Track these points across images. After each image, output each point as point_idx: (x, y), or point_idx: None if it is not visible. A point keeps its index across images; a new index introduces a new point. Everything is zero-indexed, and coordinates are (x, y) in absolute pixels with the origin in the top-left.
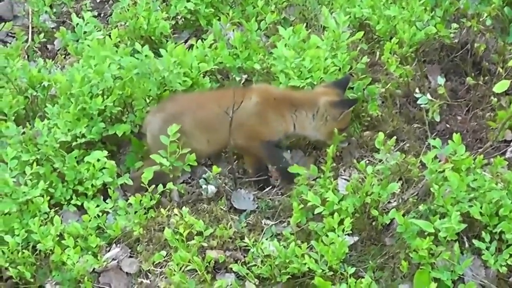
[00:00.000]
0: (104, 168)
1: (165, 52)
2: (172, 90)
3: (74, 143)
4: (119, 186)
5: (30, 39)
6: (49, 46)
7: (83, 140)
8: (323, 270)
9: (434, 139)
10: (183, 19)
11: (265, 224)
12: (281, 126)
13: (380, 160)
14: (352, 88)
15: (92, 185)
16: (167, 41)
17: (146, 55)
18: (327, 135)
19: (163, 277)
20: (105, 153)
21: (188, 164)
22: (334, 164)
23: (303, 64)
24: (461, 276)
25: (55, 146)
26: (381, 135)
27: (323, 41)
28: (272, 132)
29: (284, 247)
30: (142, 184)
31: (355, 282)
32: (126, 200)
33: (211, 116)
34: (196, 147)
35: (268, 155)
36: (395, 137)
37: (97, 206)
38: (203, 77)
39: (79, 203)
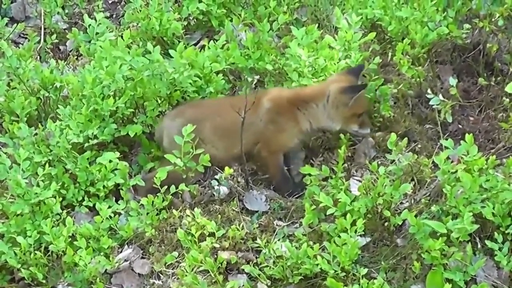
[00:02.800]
0: (116, 169)
1: (175, 53)
2: (183, 91)
3: (86, 144)
4: (131, 187)
5: (42, 40)
6: (61, 47)
7: (95, 141)
8: (335, 271)
9: (447, 139)
10: (195, 20)
11: (277, 225)
12: (296, 129)
13: (392, 161)
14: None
15: (104, 186)
16: (179, 42)
17: (157, 60)
18: (343, 122)
19: (175, 278)
20: (117, 154)
21: (202, 165)
22: (346, 165)
23: (317, 63)
24: (474, 277)
25: (67, 147)
26: (393, 136)
27: (335, 41)
28: (288, 137)
29: (296, 248)
30: (154, 185)
31: (368, 283)
32: (138, 202)
33: (229, 123)
34: (215, 154)
35: (281, 183)
36: (407, 137)
37: (109, 207)
38: (216, 75)
39: (91, 204)
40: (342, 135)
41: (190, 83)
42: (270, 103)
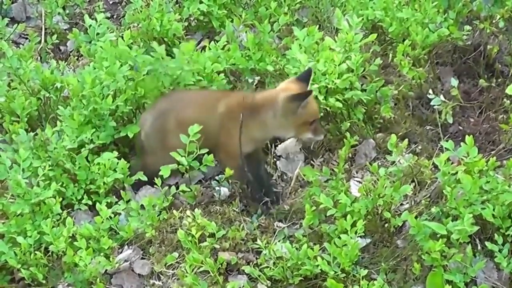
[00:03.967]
0: (115, 168)
1: (178, 51)
2: (187, 88)
3: (83, 149)
4: (131, 187)
5: (43, 41)
6: (61, 48)
7: (91, 146)
8: (335, 272)
9: (447, 141)
10: (196, 21)
11: (277, 226)
12: (247, 135)
13: (393, 162)
14: (365, 90)
15: (104, 183)
16: (180, 42)
17: (162, 57)
18: (295, 130)
19: (175, 278)
20: (115, 154)
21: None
22: (347, 166)
23: (317, 67)
24: (474, 278)
25: (65, 153)
26: (393, 137)
27: (336, 42)
28: (242, 143)
29: (297, 249)
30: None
31: (368, 284)
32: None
33: (193, 117)
34: (176, 146)
35: (239, 176)
36: (407, 139)
37: (110, 206)
38: (218, 74)
39: (90, 202)
40: (348, 135)
41: (193, 81)
42: (224, 107)
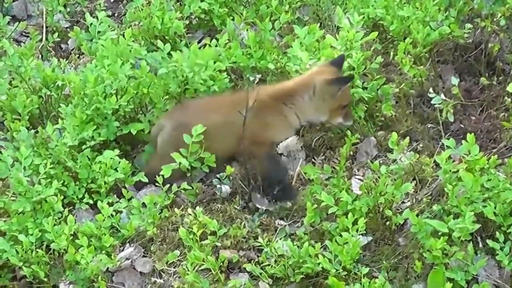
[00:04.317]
0: (117, 167)
1: (189, 53)
2: (193, 90)
3: (84, 146)
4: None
5: (44, 39)
6: (63, 46)
7: (92, 143)
8: (337, 270)
9: (448, 139)
10: (197, 19)
11: (278, 224)
12: (285, 123)
13: (394, 160)
14: (366, 88)
15: (105, 182)
16: (181, 41)
17: (170, 54)
18: (329, 114)
19: (176, 276)
20: (117, 152)
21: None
22: (348, 164)
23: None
24: (475, 276)
25: (65, 150)
26: (394, 135)
27: (337, 41)
28: (277, 132)
29: (298, 247)
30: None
31: (369, 282)
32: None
33: (215, 125)
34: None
35: (269, 166)
36: (408, 137)
37: (111, 204)
38: (220, 72)
39: (91, 202)
40: (349, 133)
41: (201, 83)
42: (252, 101)
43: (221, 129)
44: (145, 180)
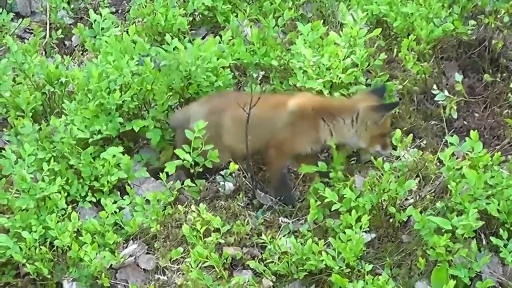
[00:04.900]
0: (120, 164)
1: (192, 46)
2: (196, 85)
3: (90, 140)
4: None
5: (48, 35)
6: (66, 42)
7: (99, 136)
8: (340, 267)
9: (452, 136)
10: (200, 16)
11: (282, 221)
12: (313, 137)
13: (398, 157)
14: (370, 85)
15: (108, 181)
16: (184, 37)
17: (174, 48)
18: (369, 141)
19: (180, 273)
20: (121, 149)
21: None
22: (352, 162)
23: (321, 62)
24: (479, 273)
25: (72, 143)
26: (398, 132)
27: (341, 37)
28: (302, 142)
29: (301, 244)
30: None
31: (372, 279)
32: (144, 198)
33: (256, 117)
34: (232, 144)
35: (278, 188)
36: (412, 134)
37: (114, 202)
38: (223, 69)
39: (94, 200)
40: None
41: (204, 78)
42: (294, 106)
43: (260, 123)
44: (147, 175)
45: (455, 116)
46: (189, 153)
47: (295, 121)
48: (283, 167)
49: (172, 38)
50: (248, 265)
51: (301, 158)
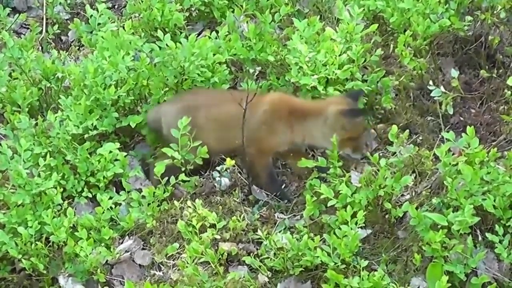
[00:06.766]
0: (116, 159)
1: (186, 42)
2: (190, 81)
3: (86, 135)
4: (133, 176)
5: (44, 31)
6: (63, 38)
7: (95, 132)
8: (335, 263)
9: (448, 132)
10: (197, 11)
11: (278, 217)
12: (287, 137)
13: (394, 153)
14: (366, 80)
15: (104, 177)
16: (181, 33)
17: (167, 44)
18: (338, 144)
19: (175, 269)
20: (117, 145)
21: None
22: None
23: (317, 58)
24: (474, 269)
25: (67, 138)
26: (394, 128)
27: (337, 33)
28: (277, 142)
29: (297, 239)
30: (155, 177)
31: (368, 275)
32: (140, 191)
33: (225, 115)
34: (206, 142)
35: (266, 176)
36: (408, 129)
37: (110, 198)
38: (219, 64)
39: (90, 195)
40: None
41: (198, 73)
42: (268, 105)
43: (231, 120)
44: (141, 175)
45: (451, 112)
46: (178, 151)
47: (269, 119)
48: (267, 164)
49: (165, 34)
50: (244, 261)
51: (295, 154)
